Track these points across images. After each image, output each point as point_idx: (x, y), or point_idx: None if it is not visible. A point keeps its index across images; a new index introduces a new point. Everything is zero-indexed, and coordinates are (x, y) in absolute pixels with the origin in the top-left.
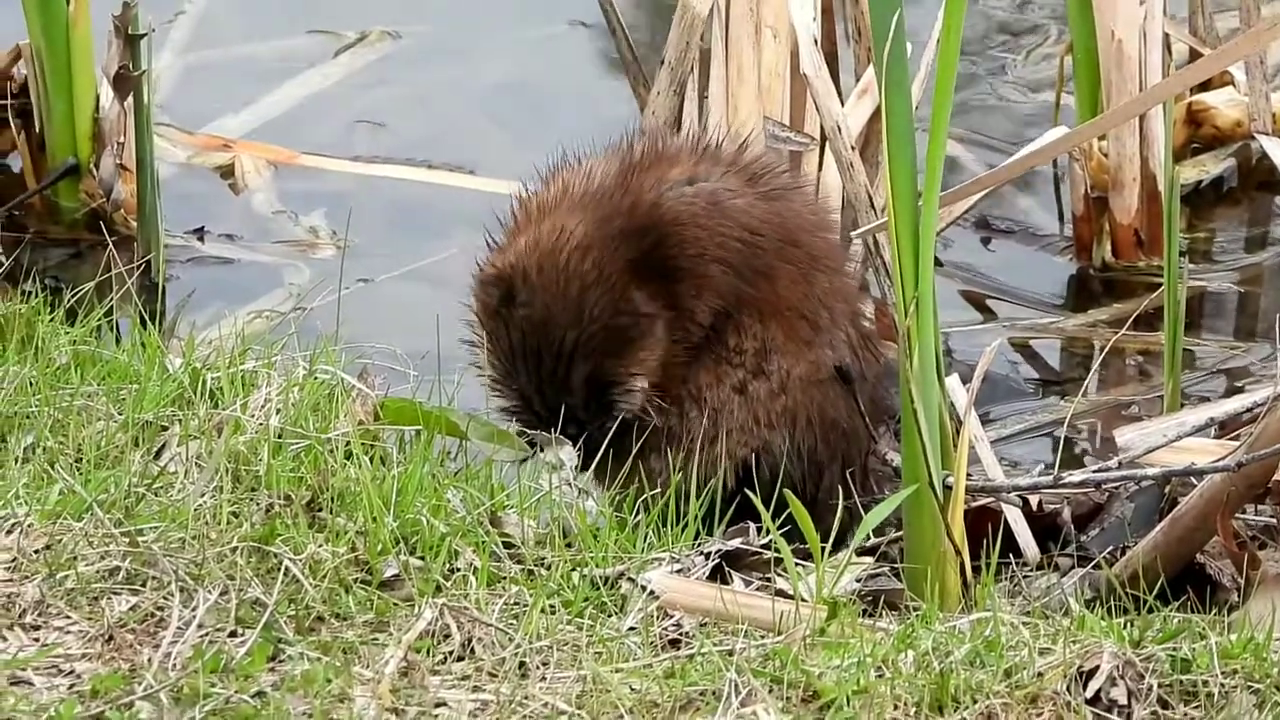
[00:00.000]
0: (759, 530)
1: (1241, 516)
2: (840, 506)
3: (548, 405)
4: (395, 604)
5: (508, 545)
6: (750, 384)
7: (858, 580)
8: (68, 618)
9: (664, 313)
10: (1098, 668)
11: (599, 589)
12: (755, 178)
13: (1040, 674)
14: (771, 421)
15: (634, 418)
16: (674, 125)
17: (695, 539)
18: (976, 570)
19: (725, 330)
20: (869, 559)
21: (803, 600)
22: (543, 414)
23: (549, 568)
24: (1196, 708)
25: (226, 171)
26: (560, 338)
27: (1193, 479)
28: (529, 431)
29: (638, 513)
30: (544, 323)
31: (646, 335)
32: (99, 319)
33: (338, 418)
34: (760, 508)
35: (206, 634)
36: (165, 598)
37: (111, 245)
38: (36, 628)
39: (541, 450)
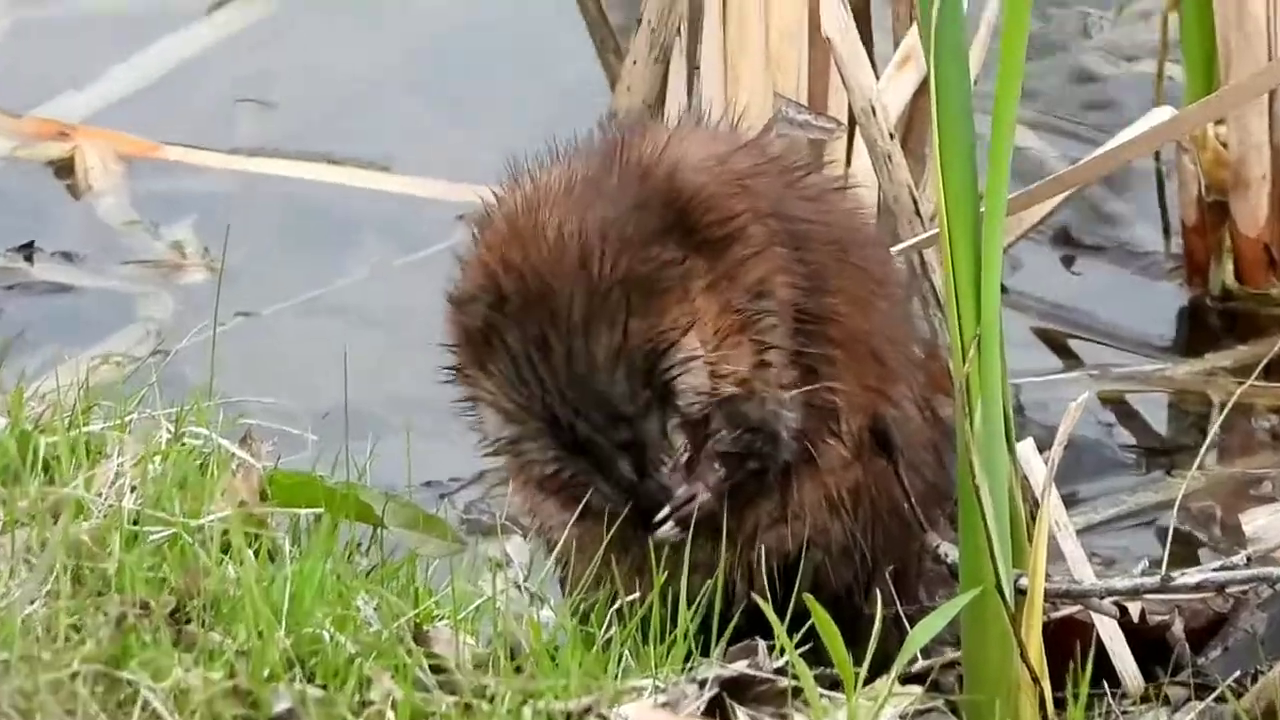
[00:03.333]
0: (770, 649)
1: None
2: (880, 617)
3: (585, 414)
4: None
5: (437, 669)
6: (820, 447)
7: (903, 717)
8: None
9: (701, 268)
10: None
11: None
12: (787, 170)
13: None
14: (838, 501)
15: (702, 416)
16: (656, 104)
17: (686, 661)
18: (1060, 703)
19: (793, 368)
20: (917, 688)
21: None
22: (584, 432)
23: (492, 700)
24: None
25: (64, 167)
26: (568, 307)
27: None
28: (588, 485)
29: (610, 625)
30: (543, 298)
31: (681, 287)
32: None
33: (212, 497)
34: (773, 618)
35: None
36: None
37: None
38: None
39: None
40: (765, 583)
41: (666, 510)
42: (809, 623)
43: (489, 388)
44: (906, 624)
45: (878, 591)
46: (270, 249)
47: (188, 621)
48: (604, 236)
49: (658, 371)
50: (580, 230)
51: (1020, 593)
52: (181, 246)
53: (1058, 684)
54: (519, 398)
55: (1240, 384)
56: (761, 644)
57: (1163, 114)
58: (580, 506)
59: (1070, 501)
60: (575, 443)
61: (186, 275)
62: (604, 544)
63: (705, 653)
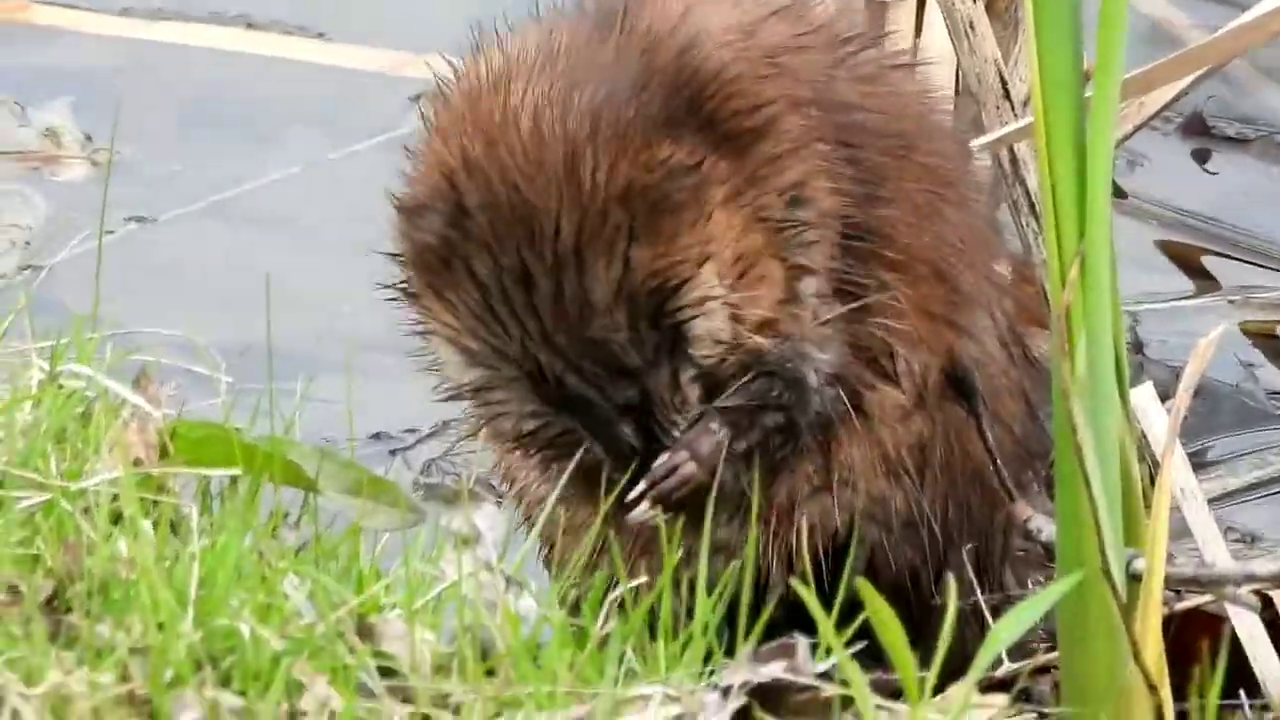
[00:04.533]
0: (813, 649)
1: None
2: (954, 609)
3: (578, 366)
4: None
5: (387, 672)
6: (869, 397)
7: None
8: None
9: (722, 172)
10: None
11: None
12: (835, 42)
13: None
14: (897, 462)
15: (721, 367)
16: None
17: (706, 663)
18: (1182, 716)
19: (836, 297)
20: (1002, 697)
21: None
22: (576, 387)
23: (457, 711)
24: None
25: None
26: (554, 228)
27: None
28: (577, 445)
29: (608, 618)
30: (519, 213)
31: (696, 201)
32: None
33: (97, 454)
34: (816, 610)
35: None
36: None
37: None
38: None
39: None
40: (807, 566)
41: (641, 486)
42: (862, 616)
43: (448, 321)
44: (989, 617)
45: (951, 577)
46: (170, 138)
47: (68, 610)
48: (595, 129)
49: (667, 313)
50: (564, 118)
51: (1134, 578)
52: (56, 134)
53: (1180, 693)
54: (489, 338)
55: None
56: (802, 642)
57: None
58: (569, 473)
59: (1200, 463)
60: (564, 399)
61: (63, 170)
62: (601, 517)
63: (729, 653)
